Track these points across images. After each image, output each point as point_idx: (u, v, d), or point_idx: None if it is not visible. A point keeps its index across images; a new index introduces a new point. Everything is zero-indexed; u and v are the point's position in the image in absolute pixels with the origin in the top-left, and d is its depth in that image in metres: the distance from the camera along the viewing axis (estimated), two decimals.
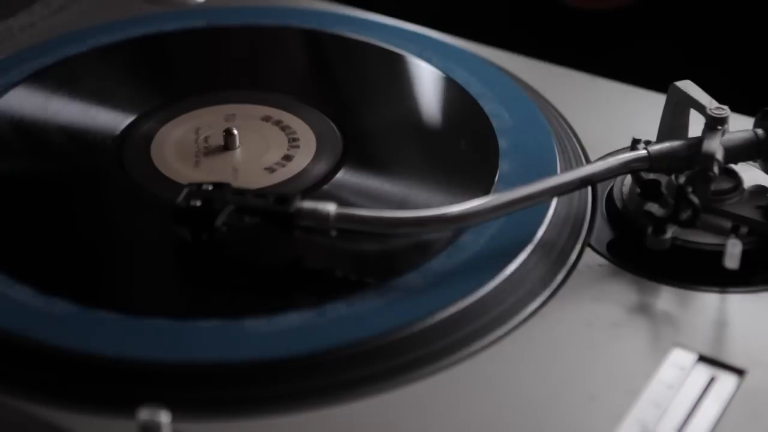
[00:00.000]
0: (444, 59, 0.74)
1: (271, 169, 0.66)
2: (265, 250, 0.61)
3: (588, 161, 0.68)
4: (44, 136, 0.69)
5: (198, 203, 0.59)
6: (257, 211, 0.59)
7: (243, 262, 0.61)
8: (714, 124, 0.61)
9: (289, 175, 0.66)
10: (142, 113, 0.71)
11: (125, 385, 0.54)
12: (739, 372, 0.55)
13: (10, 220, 0.63)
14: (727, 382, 0.55)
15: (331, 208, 0.58)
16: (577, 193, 0.64)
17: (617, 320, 0.58)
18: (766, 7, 0.92)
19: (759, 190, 0.63)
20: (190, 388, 0.54)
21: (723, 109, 0.62)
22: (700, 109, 0.62)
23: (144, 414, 0.49)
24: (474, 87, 0.72)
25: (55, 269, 0.60)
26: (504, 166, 0.65)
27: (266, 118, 0.71)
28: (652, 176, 0.62)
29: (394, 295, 0.57)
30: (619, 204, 0.64)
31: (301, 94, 0.73)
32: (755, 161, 0.64)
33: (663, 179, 0.62)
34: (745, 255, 0.59)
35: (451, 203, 0.59)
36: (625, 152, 0.62)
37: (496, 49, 0.77)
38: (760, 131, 0.62)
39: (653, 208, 0.60)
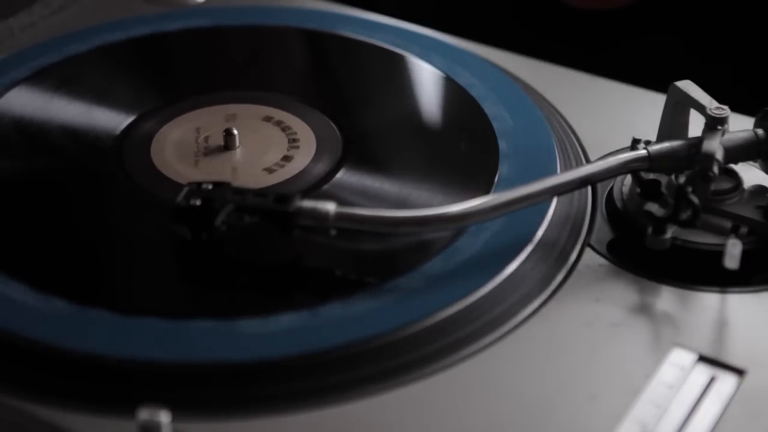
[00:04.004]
0: (444, 59, 0.74)
1: (271, 169, 0.66)
2: (264, 249, 0.61)
3: (588, 161, 0.68)
4: (44, 136, 0.69)
5: (198, 202, 0.59)
6: (257, 211, 0.59)
7: (243, 261, 0.61)
8: (714, 124, 0.61)
9: (289, 175, 0.66)
10: (142, 113, 0.71)
11: (125, 385, 0.54)
12: (739, 372, 0.55)
13: (10, 219, 0.63)
14: (727, 382, 0.55)
15: (330, 207, 0.58)
16: (577, 193, 0.64)
17: (617, 320, 0.58)
18: (766, 4, 0.92)
19: (759, 190, 0.63)
20: (190, 388, 0.54)
21: (723, 109, 0.62)
22: (700, 109, 0.62)
23: (144, 414, 0.49)
24: (474, 87, 0.72)
25: (55, 269, 0.60)
26: (504, 166, 0.65)
27: (266, 118, 0.71)
28: (652, 176, 0.62)
29: (394, 295, 0.57)
30: (619, 204, 0.64)
31: (301, 94, 0.73)
32: (755, 161, 0.64)
33: (663, 179, 0.62)
34: (745, 255, 0.59)
35: (451, 203, 0.59)
36: (625, 152, 0.62)
37: (496, 49, 0.77)
38: (760, 131, 0.62)
39: (653, 208, 0.60)
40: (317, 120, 0.70)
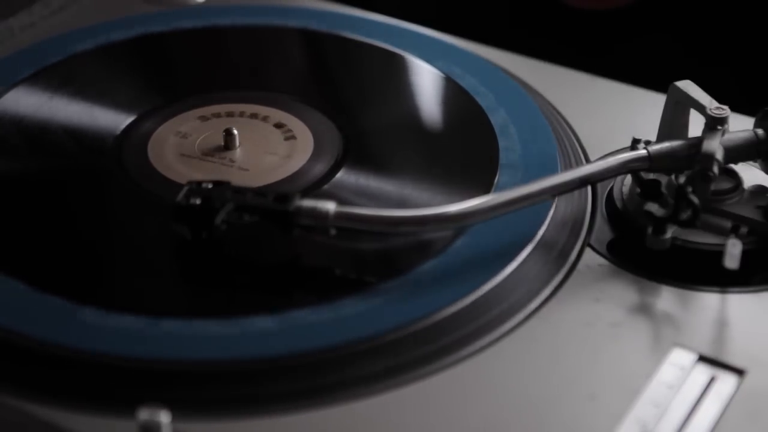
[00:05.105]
0: (444, 59, 0.74)
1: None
2: (264, 248, 0.61)
3: (588, 161, 0.68)
4: (44, 136, 0.69)
5: (198, 201, 0.59)
6: (257, 210, 0.59)
7: (243, 260, 0.61)
8: (714, 124, 0.61)
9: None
10: (142, 113, 0.71)
11: (125, 385, 0.54)
12: (739, 372, 0.55)
13: (10, 218, 0.63)
14: (727, 382, 0.55)
15: (330, 206, 0.58)
16: (577, 193, 0.64)
17: (617, 320, 0.58)
18: (766, 5, 0.92)
19: (759, 190, 0.63)
20: (190, 388, 0.54)
21: (723, 109, 0.62)
22: (700, 109, 0.62)
23: (144, 414, 0.49)
24: (474, 87, 0.72)
25: (55, 268, 0.60)
26: (504, 166, 0.65)
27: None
28: (652, 176, 0.62)
29: (394, 294, 0.57)
30: (619, 204, 0.64)
31: (301, 94, 0.73)
32: (755, 161, 0.64)
33: (663, 179, 0.62)
34: (745, 255, 0.59)
35: (451, 203, 0.59)
36: (625, 152, 0.62)
37: (496, 49, 0.77)
38: (760, 131, 0.62)
39: (653, 208, 0.60)
40: (317, 120, 0.70)
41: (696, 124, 0.63)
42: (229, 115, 0.71)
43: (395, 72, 0.75)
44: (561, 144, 0.68)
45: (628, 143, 0.63)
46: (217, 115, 0.71)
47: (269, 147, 0.68)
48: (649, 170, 0.62)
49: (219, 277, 0.60)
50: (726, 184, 0.62)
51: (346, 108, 0.73)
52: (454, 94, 0.72)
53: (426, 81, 0.74)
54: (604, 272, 0.61)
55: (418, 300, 0.57)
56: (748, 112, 0.66)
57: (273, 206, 0.59)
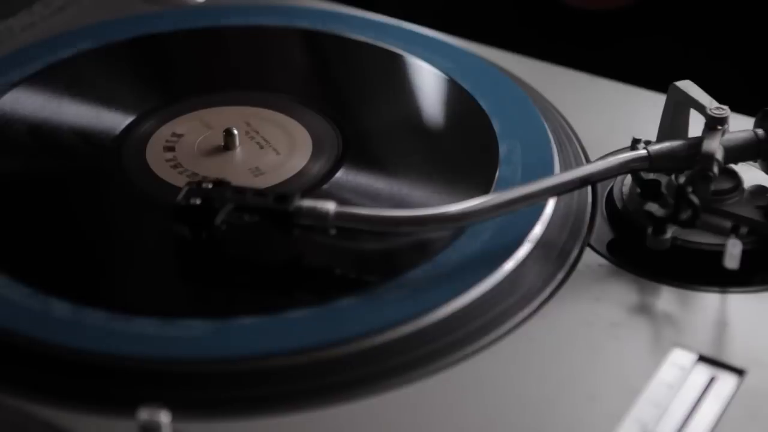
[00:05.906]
0: (444, 59, 0.74)
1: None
2: (264, 248, 0.61)
3: (588, 161, 0.68)
4: (44, 136, 0.69)
5: (198, 201, 0.59)
6: (257, 210, 0.59)
7: (243, 260, 0.61)
8: (714, 124, 0.61)
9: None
10: (142, 113, 0.71)
11: (125, 385, 0.54)
12: (739, 372, 0.55)
13: (9, 219, 0.63)
14: (727, 382, 0.55)
15: (330, 206, 0.58)
16: (577, 193, 0.64)
17: (617, 320, 0.58)
18: (767, 5, 0.92)
19: (759, 190, 0.63)
20: (190, 388, 0.54)
21: (723, 109, 0.62)
22: (700, 109, 0.62)
23: (144, 414, 0.49)
24: (473, 87, 0.72)
25: (54, 269, 0.60)
26: (503, 166, 0.65)
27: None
28: (652, 176, 0.62)
29: (394, 294, 0.57)
30: (619, 204, 0.64)
31: (301, 94, 0.73)
32: (755, 161, 0.64)
33: (663, 179, 0.62)
34: (745, 255, 0.59)
35: (451, 203, 0.59)
36: (625, 152, 0.62)
37: (496, 49, 0.77)
38: (760, 131, 0.62)
39: (653, 208, 0.60)
40: (317, 120, 0.70)
41: (696, 124, 0.63)
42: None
43: (395, 72, 0.75)
44: (561, 144, 0.68)
45: (628, 143, 0.63)
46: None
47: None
48: (649, 170, 0.62)
49: (219, 277, 0.60)
50: (726, 184, 0.62)
51: (346, 108, 0.73)
52: (453, 94, 0.72)
53: (425, 81, 0.74)
54: (604, 272, 0.61)
55: (417, 300, 0.57)
56: (748, 112, 0.66)
57: (273, 206, 0.59)
